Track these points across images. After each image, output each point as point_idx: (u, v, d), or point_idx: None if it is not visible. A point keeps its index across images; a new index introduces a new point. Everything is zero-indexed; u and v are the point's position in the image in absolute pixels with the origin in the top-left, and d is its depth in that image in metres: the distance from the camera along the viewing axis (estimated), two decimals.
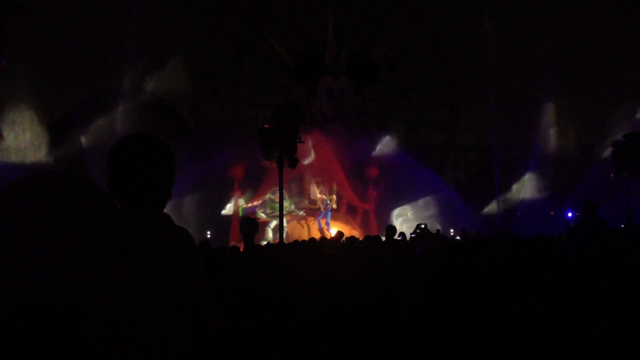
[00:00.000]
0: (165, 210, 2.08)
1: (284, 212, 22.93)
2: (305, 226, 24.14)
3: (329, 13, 27.64)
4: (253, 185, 25.16)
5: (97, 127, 21.77)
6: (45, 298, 1.98)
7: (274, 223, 23.11)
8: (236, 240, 19.55)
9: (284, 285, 5.10)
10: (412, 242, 10.88)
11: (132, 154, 2.00)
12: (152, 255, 1.93)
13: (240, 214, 24.46)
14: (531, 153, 27.22)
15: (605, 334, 3.95)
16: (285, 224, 19.39)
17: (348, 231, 21.30)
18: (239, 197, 24.96)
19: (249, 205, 24.52)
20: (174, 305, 1.94)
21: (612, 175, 18.30)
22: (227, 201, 25.00)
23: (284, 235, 18.06)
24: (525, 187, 26.21)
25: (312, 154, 23.13)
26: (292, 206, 24.38)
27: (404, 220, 24.44)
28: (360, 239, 10.93)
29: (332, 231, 22.16)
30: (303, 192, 24.91)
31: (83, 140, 21.88)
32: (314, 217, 24.29)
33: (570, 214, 24.24)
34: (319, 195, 24.28)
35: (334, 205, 24.57)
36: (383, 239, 9.55)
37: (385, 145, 26.10)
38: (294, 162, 15.37)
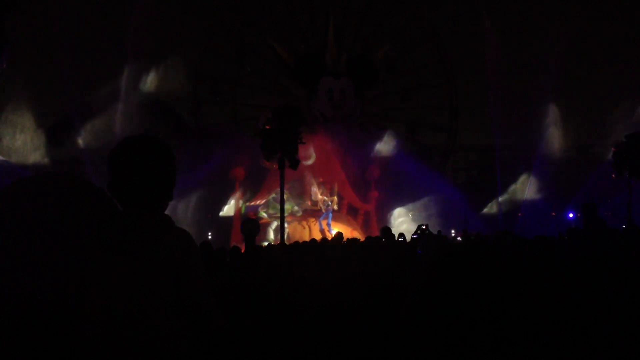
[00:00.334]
0: (166, 212, 2.08)
1: (286, 214, 23.04)
2: (307, 227, 24.15)
3: (329, 14, 27.66)
4: (254, 186, 25.18)
5: (96, 128, 21.78)
6: (46, 298, 1.98)
7: (275, 224, 23.12)
8: (237, 241, 19.55)
9: (285, 286, 5.10)
10: (413, 243, 10.90)
11: (133, 155, 2.00)
12: (152, 256, 1.93)
13: (243, 210, 24.50)
14: (531, 154, 27.22)
15: (605, 334, 3.95)
16: (286, 224, 19.40)
17: (349, 232, 21.30)
18: (240, 198, 24.98)
19: (252, 203, 24.54)
20: (174, 306, 1.94)
21: (613, 175, 18.30)
22: (227, 202, 25.01)
23: (285, 236, 18.05)
24: (527, 188, 26.19)
25: (313, 155, 23.14)
26: (296, 207, 24.40)
27: (403, 221, 24.46)
28: (362, 239, 10.93)
29: (333, 232, 22.16)
30: (304, 193, 24.92)
31: (81, 141, 21.87)
32: (315, 218, 24.30)
33: (571, 215, 24.23)
34: (320, 196, 24.29)
35: (335, 207, 24.58)
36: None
37: (385, 145, 26.10)
38: (295, 163, 15.37)
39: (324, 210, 24.03)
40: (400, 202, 25.61)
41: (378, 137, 26.63)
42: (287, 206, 22.94)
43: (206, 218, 24.46)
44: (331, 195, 24.75)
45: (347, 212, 25.78)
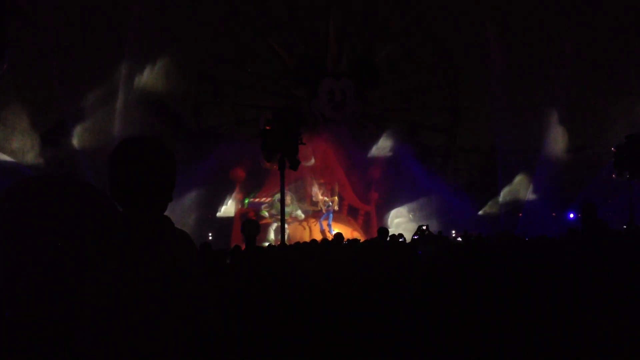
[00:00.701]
0: (166, 213, 2.08)
1: (290, 217, 23.06)
2: (307, 228, 24.16)
3: (331, 15, 27.69)
4: (255, 187, 25.20)
5: (95, 129, 21.78)
6: (46, 300, 1.99)
7: (275, 224, 23.14)
8: (238, 242, 19.57)
9: (285, 287, 5.11)
10: (414, 243, 10.90)
11: (133, 156, 2.01)
12: (152, 258, 1.93)
13: (246, 205, 24.53)
14: (532, 154, 27.21)
15: (605, 333, 3.96)
16: (286, 225, 19.41)
17: (349, 233, 21.32)
18: (240, 199, 25.00)
19: (256, 200, 24.56)
20: (174, 309, 1.94)
21: (613, 176, 18.30)
22: (224, 203, 25.03)
23: (286, 236, 18.07)
24: (529, 189, 26.18)
25: (312, 157, 23.17)
26: (299, 211, 24.42)
27: (400, 222, 24.47)
28: (362, 240, 10.94)
29: (334, 232, 22.17)
30: (305, 195, 24.94)
31: (79, 142, 21.87)
32: (316, 218, 24.32)
33: (571, 215, 24.22)
34: (320, 197, 24.31)
35: (336, 207, 24.59)
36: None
37: (386, 146, 26.12)
38: (295, 164, 15.38)
39: (324, 211, 24.06)
40: (401, 203, 25.63)
41: (379, 138, 26.65)
42: (289, 209, 23.00)
43: (206, 219, 24.47)
44: (332, 195, 24.77)
45: (348, 212, 25.79)
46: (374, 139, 26.71)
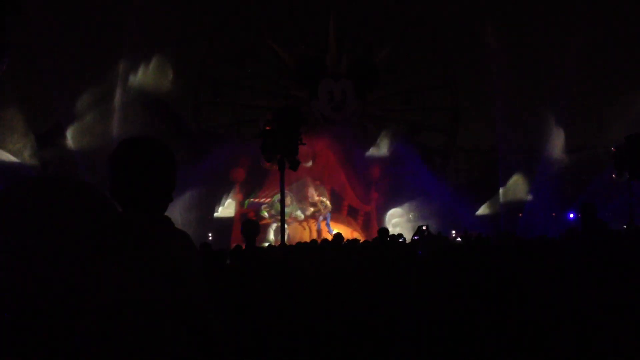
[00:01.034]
0: (166, 213, 2.08)
1: (290, 217, 23.08)
2: (307, 228, 24.18)
3: (331, 15, 27.70)
4: (255, 187, 25.21)
5: (95, 130, 21.77)
6: (45, 300, 1.99)
7: (275, 225, 23.16)
8: (238, 242, 19.57)
9: (285, 287, 5.10)
10: (413, 243, 10.90)
11: (134, 156, 2.00)
12: (152, 258, 1.93)
13: (246, 206, 24.52)
14: (532, 154, 27.21)
15: (605, 333, 3.96)
16: (286, 225, 19.41)
17: (349, 233, 21.33)
18: (240, 200, 25.01)
19: (256, 200, 24.56)
20: (173, 309, 1.94)
21: (613, 176, 18.29)
22: (222, 203, 25.04)
23: (286, 237, 18.07)
24: (531, 189, 26.17)
25: (310, 158, 23.17)
26: (298, 212, 24.42)
27: (398, 222, 24.48)
28: (362, 240, 10.94)
29: (333, 232, 22.23)
30: (305, 195, 24.96)
31: (77, 143, 21.84)
32: (316, 219, 24.33)
33: (571, 215, 24.22)
34: (316, 198, 24.33)
35: (328, 204, 24.57)
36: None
37: (385, 146, 26.14)
38: (295, 164, 15.37)
39: (323, 211, 24.08)
40: (400, 204, 25.64)
41: (379, 138, 26.68)
42: (289, 210, 23.01)
43: (207, 219, 24.48)
44: (328, 195, 24.78)
45: (348, 213, 25.79)
46: (374, 139, 26.73)
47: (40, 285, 2.02)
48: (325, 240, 10.52)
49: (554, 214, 25.55)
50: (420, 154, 26.63)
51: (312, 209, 24.78)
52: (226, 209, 24.98)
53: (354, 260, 7.10)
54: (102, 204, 2.09)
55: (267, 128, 15.19)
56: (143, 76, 23.34)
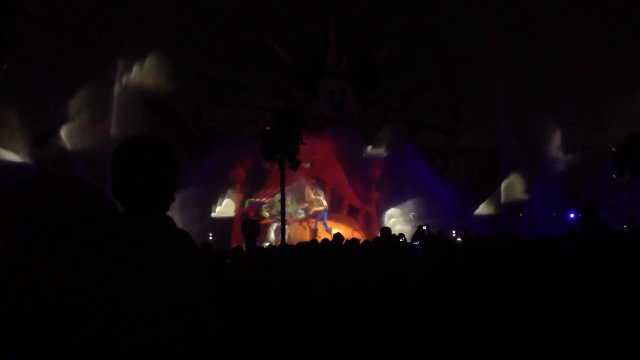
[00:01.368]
0: (167, 213, 2.08)
1: (290, 217, 23.08)
2: (307, 228, 24.18)
3: (331, 16, 27.70)
4: (255, 187, 25.21)
5: (94, 130, 21.76)
6: (46, 302, 1.98)
7: (276, 224, 23.16)
8: (238, 242, 19.59)
9: (285, 287, 5.10)
10: (414, 243, 10.89)
11: (136, 155, 2.00)
12: (153, 258, 1.93)
13: (246, 205, 24.52)
14: (533, 154, 27.20)
15: (605, 332, 3.96)
16: (287, 225, 19.41)
17: (350, 233, 21.30)
18: (240, 200, 25.02)
19: (257, 200, 24.56)
20: (174, 309, 1.94)
21: (614, 176, 18.29)
22: (219, 203, 25.03)
23: (286, 237, 18.08)
24: (533, 189, 26.17)
25: (308, 159, 23.16)
26: (300, 211, 24.42)
27: (396, 221, 24.47)
28: (362, 240, 10.92)
29: (330, 230, 22.29)
30: (303, 196, 24.95)
31: (76, 143, 21.82)
32: (315, 218, 24.35)
33: (572, 215, 24.21)
34: (313, 197, 24.33)
35: (324, 202, 24.54)
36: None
37: (386, 146, 26.14)
38: (296, 164, 15.39)
39: (318, 209, 24.08)
40: (401, 203, 25.63)
41: (379, 138, 26.67)
42: (290, 210, 23.01)
43: (206, 219, 24.49)
44: (324, 194, 24.77)
45: (348, 212, 25.78)
46: (374, 139, 26.72)
47: (40, 285, 2.02)
48: (326, 240, 10.53)
49: (554, 214, 25.54)
50: (420, 154, 26.63)
51: (316, 208, 24.73)
52: (223, 208, 24.97)
53: (355, 260, 7.10)
54: (104, 203, 2.09)
55: (268, 128, 15.21)
56: (142, 75, 23.33)
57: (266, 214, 24.03)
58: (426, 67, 29.48)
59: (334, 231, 18.11)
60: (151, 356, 1.88)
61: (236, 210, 24.87)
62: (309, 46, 28.33)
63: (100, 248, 1.92)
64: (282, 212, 16.30)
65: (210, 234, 22.94)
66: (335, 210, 25.17)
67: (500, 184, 26.84)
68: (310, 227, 24.07)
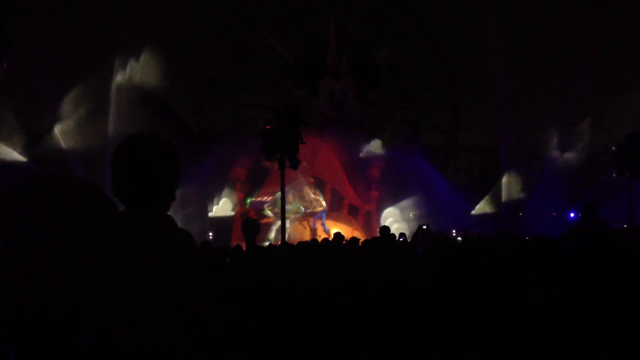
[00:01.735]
0: (168, 212, 2.07)
1: (292, 215, 23.06)
2: (307, 227, 24.17)
3: (331, 15, 27.70)
4: (255, 187, 25.21)
5: (93, 129, 21.74)
6: (46, 301, 1.98)
7: (278, 223, 23.17)
8: (238, 241, 19.59)
9: (285, 286, 5.10)
10: (414, 243, 10.90)
11: (138, 155, 2.00)
12: (154, 259, 1.92)
13: (248, 206, 24.51)
14: (533, 154, 27.19)
15: (605, 332, 3.96)
16: (287, 224, 19.42)
17: (350, 232, 21.30)
18: (241, 199, 25.02)
19: (257, 199, 24.55)
20: (175, 308, 1.94)
21: (614, 175, 18.29)
22: (217, 202, 25.03)
23: (287, 236, 18.09)
24: (536, 189, 26.17)
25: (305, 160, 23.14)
26: (302, 208, 24.42)
27: (394, 220, 24.45)
28: (362, 240, 10.92)
29: (328, 230, 22.31)
30: (303, 195, 24.93)
31: (75, 142, 21.79)
32: (313, 217, 24.35)
33: (572, 215, 24.20)
34: (312, 196, 24.31)
35: (322, 202, 24.52)
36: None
37: (386, 146, 26.15)
38: (296, 163, 15.39)
39: (317, 210, 24.06)
40: (401, 203, 25.63)
41: (379, 138, 26.66)
42: (292, 207, 23.00)
43: (206, 218, 24.49)
44: (323, 194, 24.76)
45: (348, 212, 25.78)
46: (375, 139, 26.72)
47: (40, 285, 2.02)
48: (326, 239, 10.53)
49: (554, 213, 25.53)
50: (421, 153, 26.62)
51: (310, 207, 24.70)
52: (221, 207, 24.96)
53: (355, 260, 7.10)
54: (104, 203, 2.09)
55: (268, 127, 15.21)
56: (141, 73, 23.32)
57: (269, 212, 24.01)
58: (426, 67, 29.48)
59: (334, 231, 18.13)
60: (151, 356, 1.88)
61: (236, 210, 24.87)
62: (309, 46, 28.33)
63: (101, 248, 1.91)
64: (282, 210, 16.31)
65: (211, 233, 22.94)
66: (335, 210, 25.17)
67: (497, 183, 26.85)
68: (310, 227, 24.07)
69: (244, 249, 8.37)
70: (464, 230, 19.11)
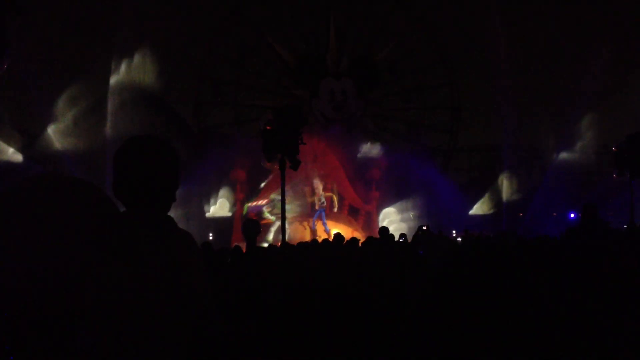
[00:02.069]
0: (168, 213, 2.07)
1: (291, 214, 23.03)
2: (307, 227, 24.16)
3: (331, 15, 27.71)
4: (256, 187, 25.21)
5: (93, 129, 21.74)
6: (46, 300, 1.98)
7: (278, 224, 23.15)
8: (238, 242, 19.58)
9: (285, 287, 5.10)
10: (414, 243, 10.89)
11: (139, 155, 1.99)
12: (155, 259, 1.92)
13: (245, 211, 24.48)
14: (533, 154, 27.20)
15: (605, 332, 3.95)
16: (287, 225, 19.40)
17: (350, 232, 21.31)
18: (241, 199, 25.01)
19: (254, 204, 24.53)
20: (176, 309, 1.94)
21: (614, 176, 18.29)
22: (214, 203, 25.02)
23: (287, 236, 18.08)
24: (538, 189, 26.18)
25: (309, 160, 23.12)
26: (299, 209, 24.39)
27: (392, 221, 24.47)
28: (362, 240, 10.93)
29: (329, 231, 22.28)
30: (304, 193, 24.87)
31: (73, 142, 21.78)
32: (311, 217, 24.32)
33: (572, 215, 24.21)
34: (321, 191, 24.23)
35: (324, 200, 24.40)
36: None
37: (386, 146, 26.16)
38: (296, 164, 15.39)
39: (317, 207, 24.00)
40: (401, 203, 25.64)
41: (379, 138, 26.67)
42: (290, 207, 22.98)
43: (204, 218, 24.51)
44: (328, 192, 24.70)
45: (348, 212, 25.78)
46: (375, 139, 26.73)
47: (40, 284, 2.01)
48: (326, 240, 10.53)
49: (554, 214, 25.54)
50: (421, 153, 26.63)
51: (308, 200, 24.54)
52: (217, 208, 24.96)
53: (355, 260, 7.09)
54: (104, 203, 2.08)
55: (268, 127, 15.20)
56: (140, 74, 23.33)
57: (268, 215, 23.98)
58: (426, 67, 29.49)
59: (334, 231, 18.13)
60: (152, 356, 1.88)
61: (235, 210, 24.86)
62: (309, 46, 28.34)
63: (101, 248, 1.91)
64: (282, 211, 16.30)
65: (211, 234, 22.96)
66: (330, 209, 25.17)
67: (494, 184, 26.88)
68: (310, 227, 24.05)
69: (244, 249, 8.36)
70: (464, 231, 19.12)
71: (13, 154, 19.87)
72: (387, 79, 28.81)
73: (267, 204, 24.15)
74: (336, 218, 24.48)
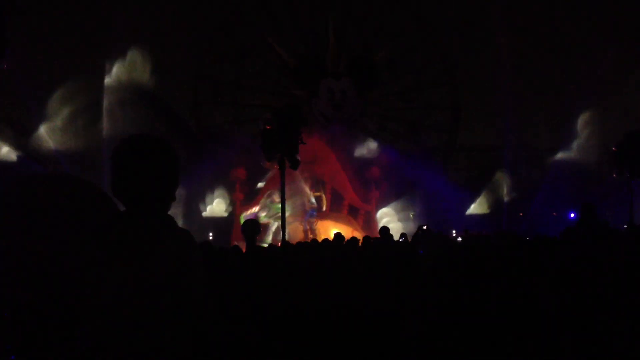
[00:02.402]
0: (168, 212, 2.07)
1: (289, 215, 22.97)
2: (308, 228, 24.14)
3: (330, 15, 27.70)
4: (256, 187, 25.20)
5: (92, 129, 21.71)
6: (46, 299, 1.98)
7: (275, 225, 23.12)
8: (238, 241, 19.55)
9: (285, 287, 5.10)
10: (415, 243, 10.89)
11: (138, 154, 1.99)
12: (154, 257, 1.92)
13: (242, 222, 24.42)
14: (533, 153, 27.20)
15: (605, 332, 3.95)
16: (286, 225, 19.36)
17: (350, 232, 21.30)
18: (241, 199, 25.00)
19: (249, 212, 24.44)
20: (175, 308, 1.94)
21: (614, 175, 18.27)
22: (210, 202, 24.99)
23: (286, 236, 18.05)
24: (539, 188, 26.17)
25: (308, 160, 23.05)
26: (298, 208, 24.36)
27: (389, 221, 24.46)
28: (361, 240, 10.92)
29: (315, 231, 22.30)
30: (298, 193, 24.81)
31: (72, 142, 21.74)
32: (316, 218, 24.27)
33: (572, 215, 24.20)
34: (309, 192, 24.23)
35: (313, 200, 24.36)
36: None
37: (386, 146, 26.15)
38: (296, 163, 15.38)
39: (307, 209, 23.97)
40: (400, 203, 25.65)
41: (379, 137, 26.65)
42: (289, 206, 22.94)
43: (202, 217, 24.48)
44: (316, 191, 24.68)
45: (348, 212, 25.78)
46: (375, 138, 26.72)
47: (41, 283, 2.01)
48: (326, 240, 10.53)
49: (554, 214, 25.55)
50: (421, 153, 26.61)
51: (306, 201, 24.50)
52: (214, 208, 24.93)
53: (355, 260, 7.09)
54: (104, 202, 2.08)
55: (268, 127, 15.19)
56: (136, 73, 23.30)
57: (265, 219, 23.93)
58: (426, 66, 29.47)
59: (334, 231, 18.12)
60: (151, 356, 1.88)
61: (235, 210, 24.83)
62: (309, 45, 28.32)
63: (101, 247, 1.91)
64: (282, 211, 16.29)
65: (211, 234, 22.95)
66: (335, 210, 25.15)
67: (488, 184, 26.90)
68: (304, 228, 24.04)
69: (243, 249, 8.36)
70: (464, 230, 19.12)
71: (15, 154, 19.85)
72: (386, 78, 28.78)
73: (260, 209, 24.06)
74: (336, 218, 24.47)
